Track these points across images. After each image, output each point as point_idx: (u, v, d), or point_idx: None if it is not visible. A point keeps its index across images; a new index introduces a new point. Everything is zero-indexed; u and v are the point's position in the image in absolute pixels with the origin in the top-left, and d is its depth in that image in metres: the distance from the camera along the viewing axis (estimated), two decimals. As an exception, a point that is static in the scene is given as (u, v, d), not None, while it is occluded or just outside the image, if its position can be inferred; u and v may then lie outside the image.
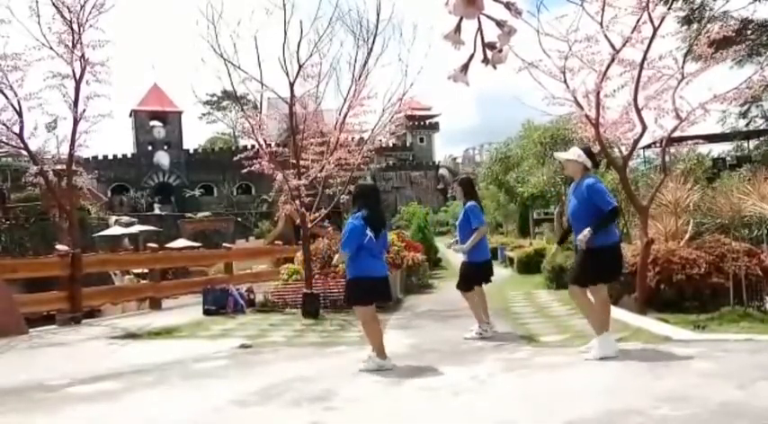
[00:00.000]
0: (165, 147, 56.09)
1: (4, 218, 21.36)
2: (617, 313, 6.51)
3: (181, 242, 24.37)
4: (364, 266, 5.00)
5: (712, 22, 15.88)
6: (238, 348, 6.29)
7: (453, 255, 17.12)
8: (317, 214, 9.68)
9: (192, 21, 9.49)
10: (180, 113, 57.72)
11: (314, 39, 8.93)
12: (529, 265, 15.76)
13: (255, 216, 45.29)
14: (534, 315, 8.15)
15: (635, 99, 6.94)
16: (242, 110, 11.34)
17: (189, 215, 43.45)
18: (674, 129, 7.17)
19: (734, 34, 8.31)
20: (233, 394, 4.27)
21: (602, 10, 6.54)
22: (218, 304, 9.18)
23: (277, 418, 3.76)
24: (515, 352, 5.57)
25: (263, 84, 9.26)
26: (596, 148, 6.82)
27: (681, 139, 8.36)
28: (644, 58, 6.71)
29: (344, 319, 8.14)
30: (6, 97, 8.98)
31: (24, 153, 9.75)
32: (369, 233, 4.97)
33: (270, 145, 9.70)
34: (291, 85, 9.12)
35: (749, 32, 19.79)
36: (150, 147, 56.04)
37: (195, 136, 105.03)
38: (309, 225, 9.46)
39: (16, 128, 9.14)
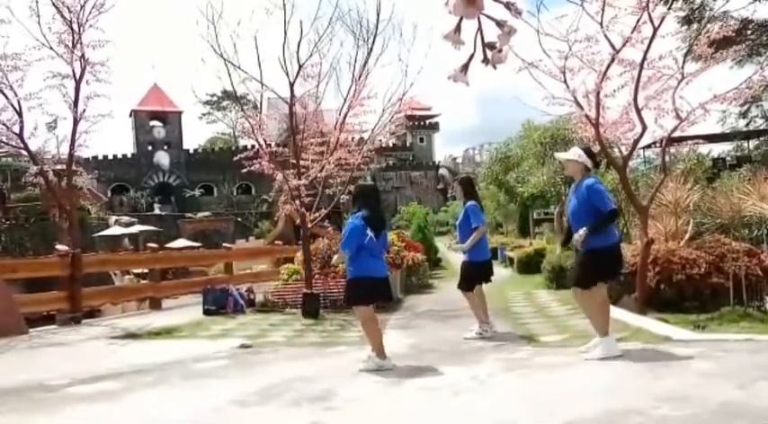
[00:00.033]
0: (165, 147, 56.10)
1: (4, 218, 21.36)
2: (617, 313, 6.51)
3: (181, 242, 24.36)
4: (365, 266, 5.00)
5: (712, 21, 15.88)
6: (238, 348, 6.29)
7: (453, 255, 17.14)
8: (317, 214, 9.68)
9: (192, 21, 9.52)
10: (180, 113, 57.73)
11: (314, 39, 8.95)
12: (529, 265, 15.78)
13: (255, 216, 45.29)
14: (534, 315, 8.15)
15: (635, 99, 6.94)
16: (242, 110, 11.35)
17: (189, 215, 43.45)
18: (674, 129, 7.16)
19: (734, 34, 8.31)
20: (233, 394, 4.27)
21: (602, 10, 6.53)
22: (218, 304, 9.18)
23: (277, 418, 3.76)
24: (515, 352, 5.56)
25: (263, 84, 9.27)
26: (596, 148, 6.81)
27: (681, 139, 8.36)
28: (644, 58, 6.70)
29: (344, 319, 8.14)
30: (6, 97, 8.99)
31: (24, 153, 9.76)
32: (369, 233, 4.97)
33: (270, 145, 9.70)
34: (291, 85, 9.12)
35: (749, 32, 19.80)
36: (150, 147, 56.05)
37: (195, 136, 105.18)
38: (309, 225, 9.46)
39: (16, 128, 9.14)
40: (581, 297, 5.10)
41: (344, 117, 9.66)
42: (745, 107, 25.59)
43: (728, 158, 28.60)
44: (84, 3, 9.09)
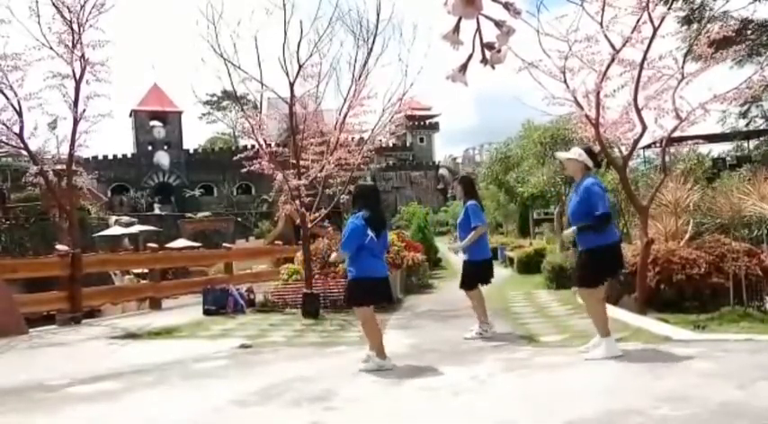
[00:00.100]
0: (165, 147, 56.12)
1: (4, 218, 21.36)
2: (617, 313, 6.52)
3: (181, 242, 24.36)
4: (365, 266, 5.00)
5: (712, 21, 15.88)
6: (238, 348, 6.29)
7: (453, 255, 17.14)
8: (317, 214, 9.68)
9: (192, 21, 9.50)
10: (180, 113, 57.75)
11: (314, 39, 8.94)
12: (529, 265, 15.79)
13: (255, 216, 45.29)
14: (534, 315, 8.15)
15: (635, 99, 6.94)
16: (242, 110, 11.34)
17: (189, 215, 43.45)
18: (674, 129, 7.17)
19: (734, 34, 8.31)
20: (233, 394, 4.27)
21: (602, 10, 6.54)
22: (218, 304, 9.18)
23: (277, 418, 3.76)
24: (515, 352, 5.56)
25: (263, 84, 9.27)
26: (596, 148, 6.81)
27: (681, 139, 8.36)
28: (644, 58, 6.71)
29: (344, 319, 8.14)
30: (6, 97, 9.00)
31: (24, 153, 9.76)
32: (370, 233, 4.97)
33: (270, 145, 9.70)
34: (291, 85, 9.12)
35: (749, 32, 19.79)
36: (150, 147, 56.07)
37: (195, 136, 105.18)
38: (309, 225, 9.46)
39: (16, 128, 9.14)
40: (588, 297, 5.09)
41: (344, 117, 9.66)
42: (745, 107, 25.59)
43: (728, 158, 28.59)
44: (84, 3, 9.10)
